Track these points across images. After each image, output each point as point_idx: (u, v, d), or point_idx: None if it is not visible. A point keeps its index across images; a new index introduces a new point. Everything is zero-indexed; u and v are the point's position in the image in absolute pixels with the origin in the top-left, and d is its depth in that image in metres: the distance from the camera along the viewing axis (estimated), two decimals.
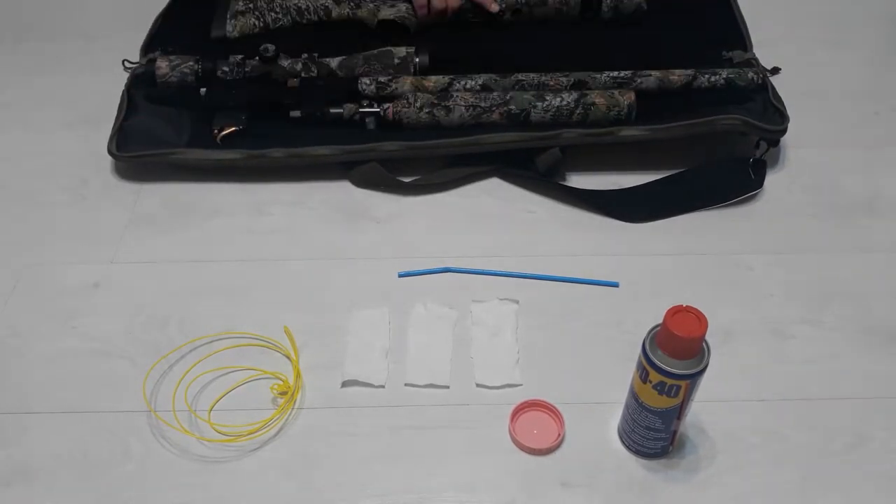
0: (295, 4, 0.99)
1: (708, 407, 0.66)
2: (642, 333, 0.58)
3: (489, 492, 0.63)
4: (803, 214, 0.84)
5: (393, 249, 0.80)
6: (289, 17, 0.99)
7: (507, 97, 0.85)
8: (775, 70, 0.96)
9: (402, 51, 0.91)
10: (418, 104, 0.85)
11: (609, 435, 0.66)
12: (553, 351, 0.72)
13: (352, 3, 0.99)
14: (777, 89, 0.88)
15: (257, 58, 0.88)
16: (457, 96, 0.86)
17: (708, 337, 0.55)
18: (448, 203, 0.85)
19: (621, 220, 0.83)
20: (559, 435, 0.65)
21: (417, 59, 0.91)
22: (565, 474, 0.64)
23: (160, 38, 0.99)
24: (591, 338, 0.73)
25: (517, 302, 0.75)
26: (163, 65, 0.90)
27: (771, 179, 0.86)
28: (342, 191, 0.86)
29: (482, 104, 0.85)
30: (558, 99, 0.85)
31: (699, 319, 0.55)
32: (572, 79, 0.87)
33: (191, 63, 0.90)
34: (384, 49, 0.91)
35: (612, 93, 0.85)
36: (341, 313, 0.74)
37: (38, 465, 0.64)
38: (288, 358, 0.71)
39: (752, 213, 0.84)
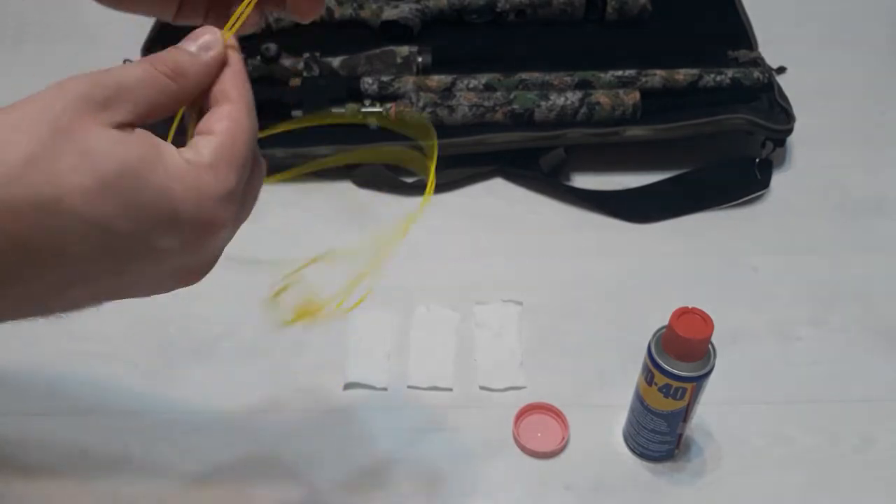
0: None
1: (714, 409, 0.65)
2: (647, 335, 0.57)
3: (493, 495, 0.62)
4: (810, 215, 0.83)
5: (395, 250, 0.80)
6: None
7: (511, 96, 0.85)
8: (781, 69, 0.95)
9: (404, 50, 0.90)
10: (421, 104, 0.85)
11: (614, 438, 0.65)
12: (557, 353, 0.71)
13: (354, 4, 0.99)
14: (783, 89, 0.87)
15: (258, 57, 0.88)
16: (460, 96, 0.85)
17: (714, 339, 0.55)
18: (451, 203, 0.85)
19: (626, 220, 0.83)
20: (563, 438, 0.65)
21: (420, 59, 0.90)
22: (569, 477, 0.63)
23: (161, 37, 0.99)
24: (595, 340, 0.72)
25: (521, 303, 0.74)
26: None
27: (777, 179, 0.85)
28: (344, 191, 0.86)
29: (485, 103, 0.84)
30: (562, 98, 0.84)
31: (705, 321, 0.54)
32: (576, 78, 0.87)
33: None
34: (387, 49, 0.91)
35: (617, 92, 0.84)
36: (342, 315, 0.74)
37: (39, 467, 0.64)
38: None
39: (758, 213, 0.84)
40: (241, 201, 0.35)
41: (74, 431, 0.66)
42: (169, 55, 0.34)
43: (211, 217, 0.32)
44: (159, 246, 0.31)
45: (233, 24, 0.36)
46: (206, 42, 0.35)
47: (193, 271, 0.35)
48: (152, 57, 0.33)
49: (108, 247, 0.30)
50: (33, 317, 0.32)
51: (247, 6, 0.37)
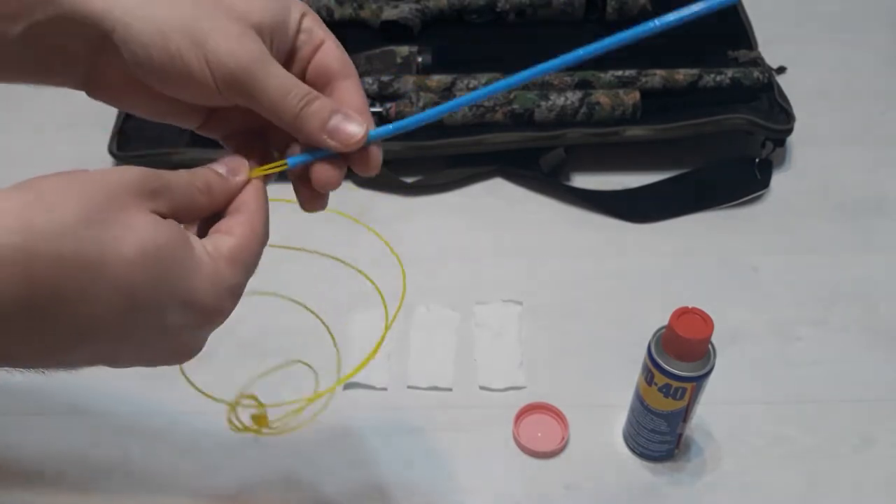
0: None
1: (714, 409, 0.65)
2: (647, 335, 0.57)
3: (492, 495, 0.62)
4: (809, 215, 0.83)
5: (395, 251, 0.80)
6: None
7: (511, 96, 0.85)
8: (781, 69, 0.95)
9: (404, 50, 0.90)
10: (421, 104, 0.85)
11: (614, 438, 0.66)
12: (557, 353, 0.71)
13: (354, 4, 0.99)
14: (783, 89, 0.87)
15: None
16: (460, 96, 0.85)
17: (714, 339, 0.55)
18: (451, 203, 0.85)
19: (626, 220, 0.83)
20: (563, 438, 0.65)
21: (420, 59, 0.90)
22: (569, 477, 0.63)
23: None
24: (595, 339, 0.72)
25: (521, 303, 0.74)
26: None
27: (777, 179, 0.85)
28: (343, 191, 0.85)
29: (485, 103, 0.84)
30: (562, 98, 0.84)
31: (705, 321, 0.54)
32: (576, 78, 0.87)
33: None
34: (387, 48, 0.91)
35: (617, 92, 0.84)
36: (342, 315, 0.74)
37: (38, 468, 0.64)
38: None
39: (758, 213, 0.84)
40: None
41: (74, 431, 0.66)
42: (204, 175, 0.38)
43: (220, 304, 0.36)
44: (169, 320, 0.34)
45: (263, 166, 0.41)
46: (234, 168, 0.40)
47: (184, 352, 0.38)
48: (193, 172, 0.38)
49: (126, 311, 0.32)
50: (31, 368, 0.34)
51: (278, 165, 0.42)
